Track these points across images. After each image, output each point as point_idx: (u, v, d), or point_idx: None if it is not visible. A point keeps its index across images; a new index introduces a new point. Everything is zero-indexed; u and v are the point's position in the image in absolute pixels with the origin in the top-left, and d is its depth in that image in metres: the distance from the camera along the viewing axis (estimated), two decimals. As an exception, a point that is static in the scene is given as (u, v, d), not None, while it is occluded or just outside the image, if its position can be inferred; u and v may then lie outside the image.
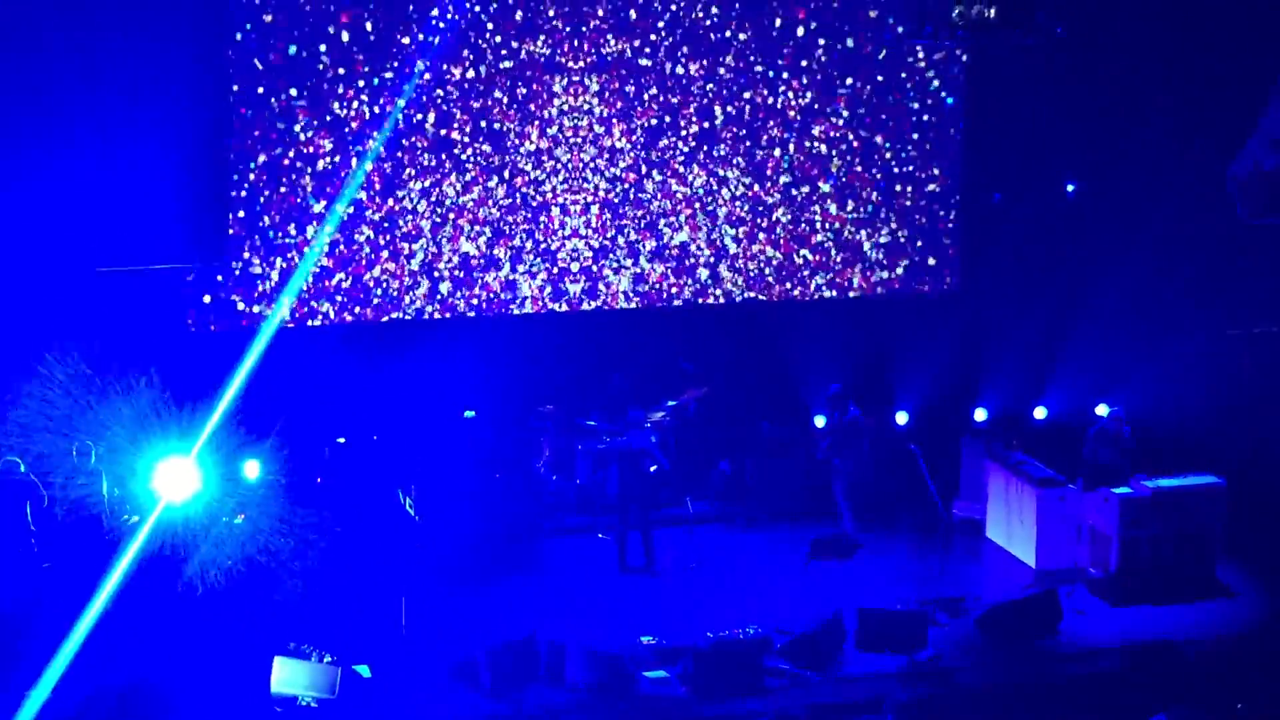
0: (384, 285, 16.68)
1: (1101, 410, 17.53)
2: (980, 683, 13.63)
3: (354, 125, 16.27)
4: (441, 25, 16.31)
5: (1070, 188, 17.76)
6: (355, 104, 16.24)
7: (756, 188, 17.49)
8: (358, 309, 16.65)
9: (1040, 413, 17.95)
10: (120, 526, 13.06)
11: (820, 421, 17.12)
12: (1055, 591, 14.64)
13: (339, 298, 16.59)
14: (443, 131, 16.61)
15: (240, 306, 16.27)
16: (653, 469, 15.73)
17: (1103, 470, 15.77)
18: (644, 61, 16.95)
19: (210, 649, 13.00)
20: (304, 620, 13.46)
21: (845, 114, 17.54)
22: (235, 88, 15.88)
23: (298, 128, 16.12)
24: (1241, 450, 16.36)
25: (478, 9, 16.39)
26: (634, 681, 13.33)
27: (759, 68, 17.24)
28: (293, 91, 16.05)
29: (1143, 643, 13.74)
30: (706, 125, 17.25)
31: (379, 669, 13.36)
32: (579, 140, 16.95)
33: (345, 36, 16.11)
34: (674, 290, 17.47)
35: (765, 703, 13.12)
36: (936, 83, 17.71)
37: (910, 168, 17.84)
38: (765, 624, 13.99)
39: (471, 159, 16.73)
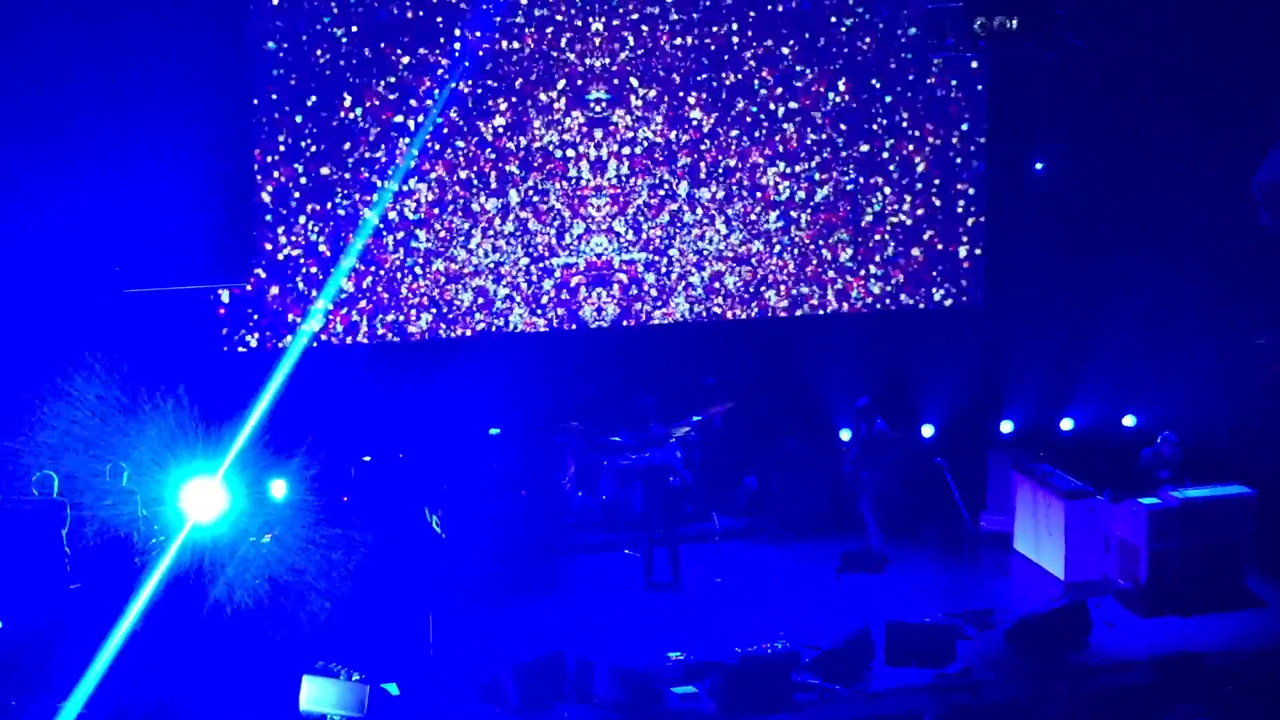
0: (410, 303, 16.72)
1: (1129, 421, 17.55)
2: (1010, 696, 13.55)
3: (380, 145, 16.33)
4: (468, 38, 16.38)
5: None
6: (380, 124, 16.30)
7: (780, 203, 17.48)
8: (383, 328, 16.70)
9: (1067, 424, 17.91)
10: (149, 547, 13.11)
11: (846, 435, 17.11)
12: (1084, 603, 14.57)
13: (365, 316, 16.64)
14: (469, 147, 16.66)
15: (266, 326, 16.32)
16: (671, 480, 15.71)
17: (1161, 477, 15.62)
18: (668, 75, 16.98)
19: (238, 668, 13.01)
20: (332, 639, 13.47)
21: (867, 127, 17.54)
22: (258, 103, 15.95)
23: (323, 147, 16.19)
24: (1270, 459, 16.26)
25: (502, 20, 16.47)
26: (662, 698, 13.30)
27: (782, 84, 17.25)
28: (317, 110, 16.12)
29: (1172, 654, 13.68)
30: (729, 139, 17.27)
31: (407, 687, 13.36)
32: (604, 153, 16.98)
33: (370, 53, 16.18)
34: (700, 305, 17.47)
35: (794, 718, 13.09)
36: (959, 94, 17.70)
37: (933, 180, 17.81)
38: (793, 639, 13.94)
39: (498, 175, 16.77)
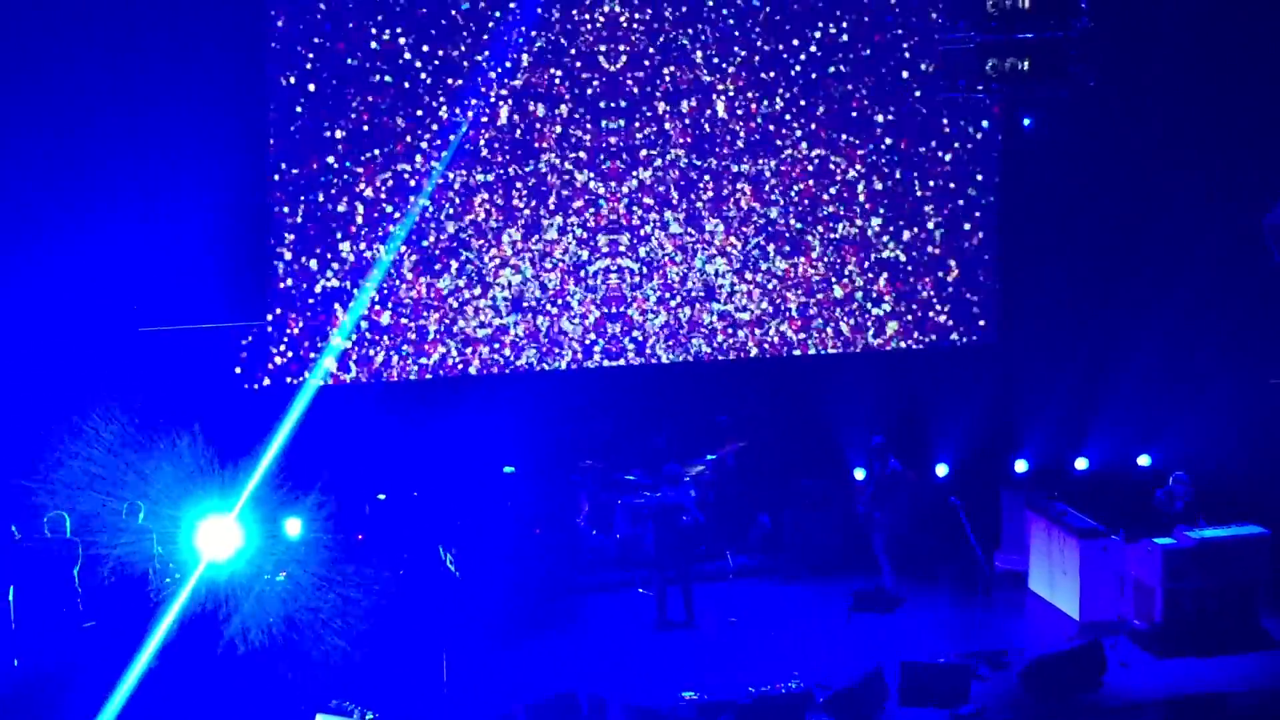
0: (425, 341, 16.77)
1: (1143, 460, 17.50)
2: (1024, 737, 13.55)
3: (395, 184, 16.42)
4: (484, 75, 16.49)
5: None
6: (395, 164, 16.39)
7: (794, 240, 17.53)
8: (398, 365, 16.75)
9: (1081, 463, 17.88)
10: (164, 585, 13.14)
11: (860, 474, 17.10)
12: (1099, 643, 14.52)
13: (380, 353, 16.69)
14: (482, 185, 16.73)
15: (281, 364, 16.37)
16: (684, 519, 15.71)
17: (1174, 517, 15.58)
18: (683, 113, 17.06)
19: (252, 707, 13.01)
20: (346, 677, 13.47)
21: (881, 165, 17.60)
22: (274, 142, 16.03)
23: (338, 185, 16.27)
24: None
25: (525, 59, 16.57)
26: (675, 737, 13.31)
27: (796, 123, 17.33)
28: (334, 149, 16.22)
29: (1188, 695, 13.62)
30: (741, 176, 17.32)
31: (421, 726, 13.37)
32: (617, 190, 17.06)
33: (387, 91, 16.27)
34: (713, 344, 17.50)
35: (807, 758, 13.09)
36: (972, 133, 17.75)
37: (946, 218, 17.86)
38: (807, 678, 13.91)
39: (513, 214, 16.84)
